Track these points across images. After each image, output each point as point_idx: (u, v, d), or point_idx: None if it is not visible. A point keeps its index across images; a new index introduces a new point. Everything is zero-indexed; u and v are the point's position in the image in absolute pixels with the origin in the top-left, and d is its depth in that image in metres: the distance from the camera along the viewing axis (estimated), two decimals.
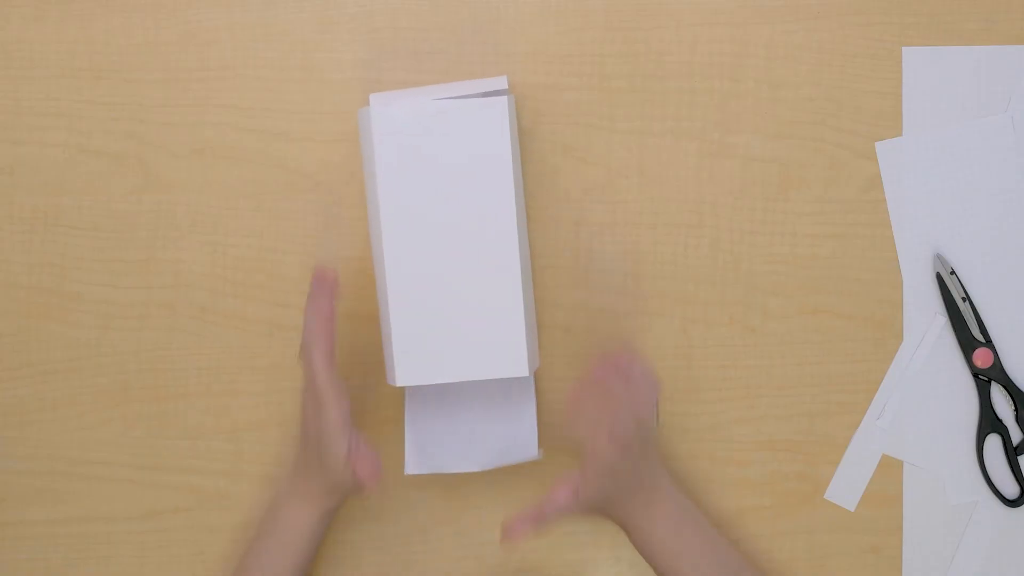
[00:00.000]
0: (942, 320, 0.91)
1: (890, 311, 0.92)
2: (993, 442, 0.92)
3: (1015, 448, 0.91)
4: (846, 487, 0.92)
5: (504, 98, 0.82)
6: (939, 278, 0.91)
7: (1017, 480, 0.91)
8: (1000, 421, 0.91)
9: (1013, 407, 0.91)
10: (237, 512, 0.92)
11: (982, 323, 0.91)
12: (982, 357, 0.91)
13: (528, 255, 0.88)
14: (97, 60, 0.92)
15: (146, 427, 0.92)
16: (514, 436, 0.87)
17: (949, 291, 0.91)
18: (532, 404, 0.87)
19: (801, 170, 0.92)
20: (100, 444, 0.93)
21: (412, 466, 0.88)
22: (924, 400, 0.92)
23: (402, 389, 0.90)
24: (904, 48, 0.91)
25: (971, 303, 0.91)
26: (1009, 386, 0.91)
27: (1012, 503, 0.91)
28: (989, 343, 0.91)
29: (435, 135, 0.82)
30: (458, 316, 0.83)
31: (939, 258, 0.91)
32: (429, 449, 0.88)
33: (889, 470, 0.92)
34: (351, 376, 0.92)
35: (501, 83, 0.84)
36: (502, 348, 0.83)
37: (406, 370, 0.83)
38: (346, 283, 0.91)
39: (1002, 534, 0.92)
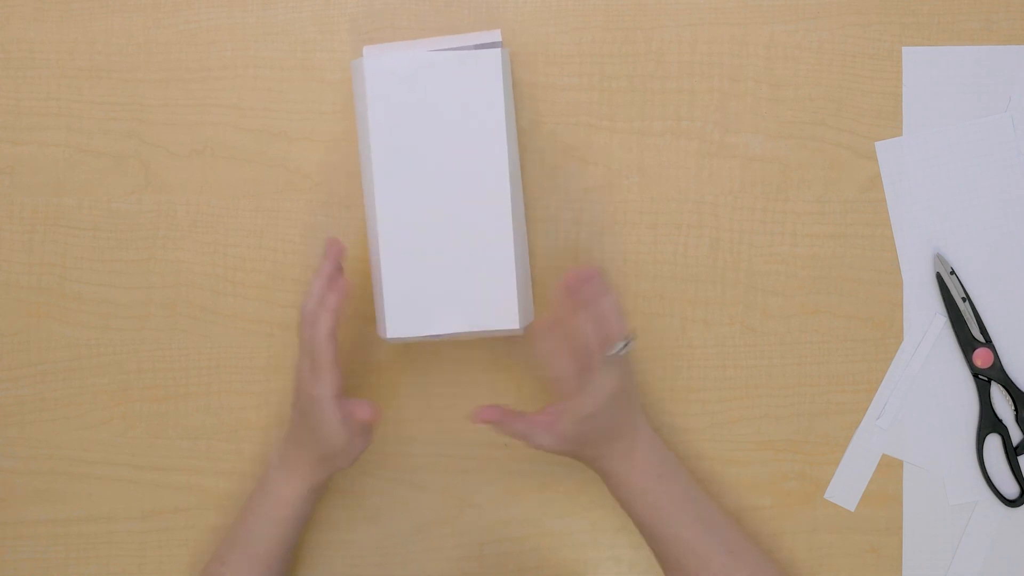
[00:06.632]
0: (942, 320, 0.91)
1: (890, 311, 0.92)
2: (993, 442, 0.92)
3: (1015, 448, 0.91)
4: (846, 487, 0.92)
5: (497, 50, 0.82)
6: (939, 278, 0.91)
7: (1017, 480, 0.91)
8: (1000, 421, 0.91)
9: (1013, 407, 0.91)
10: (237, 512, 0.92)
11: (982, 323, 0.91)
12: (982, 357, 0.91)
13: (522, 209, 0.88)
14: (97, 60, 0.92)
15: (146, 427, 0.93)
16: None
17: (949, 291, 0.91)
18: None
19: (801, 170, 0.92)
20: (100, 444, 0.93)
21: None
22: (924, 400, 0.92)
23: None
24: (904, 48, 0.91)
25: (971, 303, 0.91)
26: (1009, 386, 0.91)
27: (1012, 503, 0.91)
28: (989, 343, 0.91)
29: (428, 87, 0.82)
30: (450, 268, 0.82)
31: (939, 258, 0.91)
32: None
33: (889, 470, 0.92)
34: (353, 360, 0.92)
35: (495, 36, 0.83)
36: (493, 300, 0.82)
37: (397, 322, 0.83)
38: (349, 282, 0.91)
39: (1002, 534, 0.92)
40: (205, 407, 0.92)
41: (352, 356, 0.92)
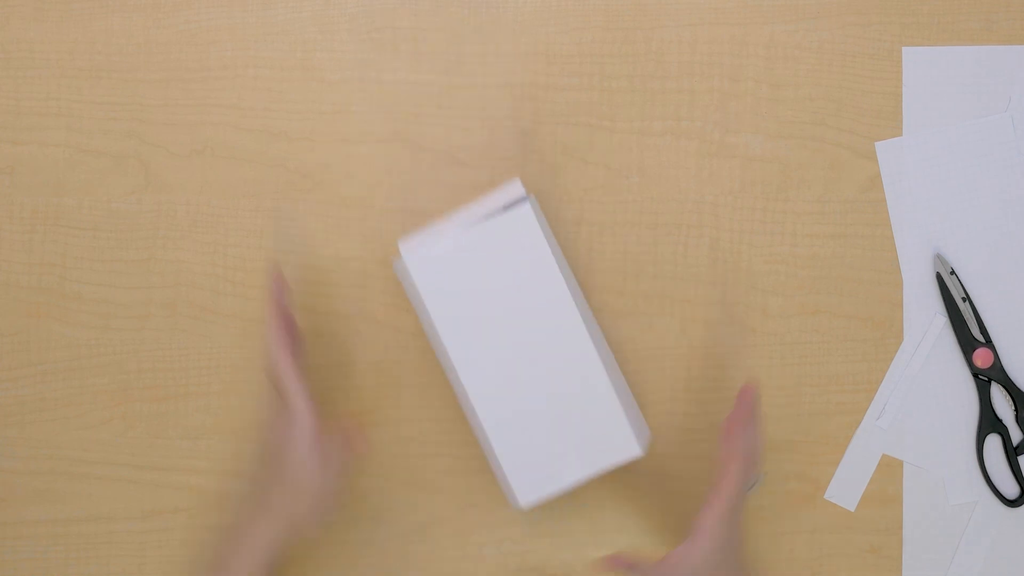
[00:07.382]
0: (942, 320, 0.91)
1: (890, 311, 0.92)
2: (993, 442, 0.92)
3: (1015, 448, 0.91)
4: (846, 487, 0.92)
5: (527, 204, 0.82)
6: (939, 278, 0.91)
7: (1017, 480, 0.91)
8: (1000, 421, 0.91)
9: (1013, 407, 0.91)
10: None
11: (982, 323, 0.91)
12: (982, 357, 0.91)
13: (600, 333, 0.88)
14: (97, 60, 0.92)
15: (146, 427, 0.93)
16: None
17: (949, 291, 0.91)
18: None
19: (801, 170, 0.92)
20: (100, 444, 0.93)
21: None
22: (924, 400, 0.92)
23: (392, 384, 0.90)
24: (904, 48, 0.91)
25: (971, 303, 0.91)
26: (1009, 386, 0.91)
27: (1012, 503, 0.91)
28: (989, 343, 0.91)
29: (474, 262, 0.83)
30: (556, 421, 0.83)
31: (939, 258, 0.91)
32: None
33: (889, 470, 0.92)
34: (352, 360, 0.92)
35: (517, 188, 0.84)
36: (608, 435, 0.83)
37: (525, 489, 0.84)
38: (346, 283, 0.91)
39: (1002, 534, 0.92)
40: (205, 407, 0.92)
41: (352, 356, 0.92)
